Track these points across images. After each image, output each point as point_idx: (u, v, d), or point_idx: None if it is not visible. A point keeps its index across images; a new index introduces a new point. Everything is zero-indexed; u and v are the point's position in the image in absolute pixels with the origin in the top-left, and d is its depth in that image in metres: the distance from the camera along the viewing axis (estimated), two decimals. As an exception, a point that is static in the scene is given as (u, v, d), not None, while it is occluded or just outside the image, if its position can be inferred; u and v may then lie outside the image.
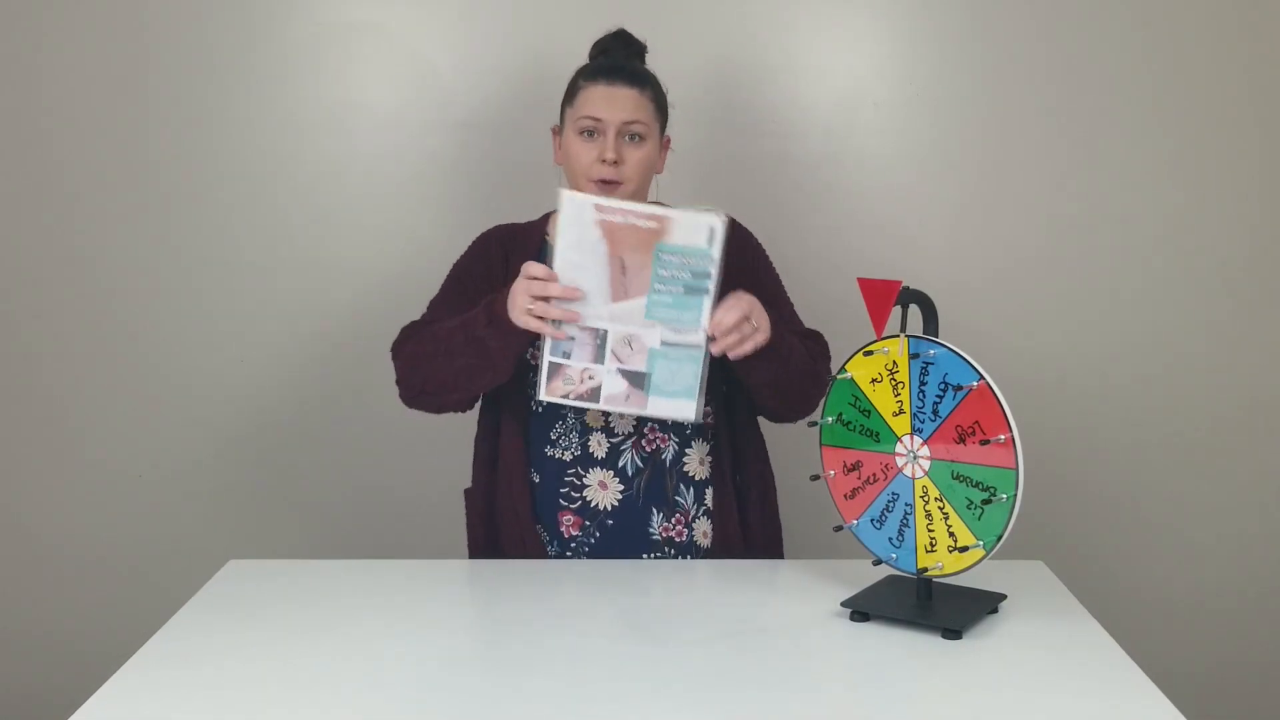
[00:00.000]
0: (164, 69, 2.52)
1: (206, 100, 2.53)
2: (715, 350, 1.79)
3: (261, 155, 2.55)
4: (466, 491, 2.07)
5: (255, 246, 2.56)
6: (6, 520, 2.64)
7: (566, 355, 1.81)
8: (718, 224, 1.75)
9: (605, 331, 1.80)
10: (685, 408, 1.82)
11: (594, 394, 1.82)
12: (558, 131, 2.04)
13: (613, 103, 1.94)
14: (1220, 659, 2.65)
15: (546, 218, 2.07)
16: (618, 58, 2.02)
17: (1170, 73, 2.52)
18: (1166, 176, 2.54)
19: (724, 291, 1.80)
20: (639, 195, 1.98)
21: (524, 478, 1.96)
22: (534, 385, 1.89)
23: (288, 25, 2.52)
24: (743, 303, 1.79)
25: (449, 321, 1.92)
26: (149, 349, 2.59)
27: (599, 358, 1.81)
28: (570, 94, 2.00)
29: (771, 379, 1.90)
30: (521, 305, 1.78)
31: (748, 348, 1.80)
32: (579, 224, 1.76)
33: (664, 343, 1.79)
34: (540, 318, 1.78)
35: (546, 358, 1.81)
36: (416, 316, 2.19)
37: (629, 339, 1.80)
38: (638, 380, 1.81)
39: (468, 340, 1.86)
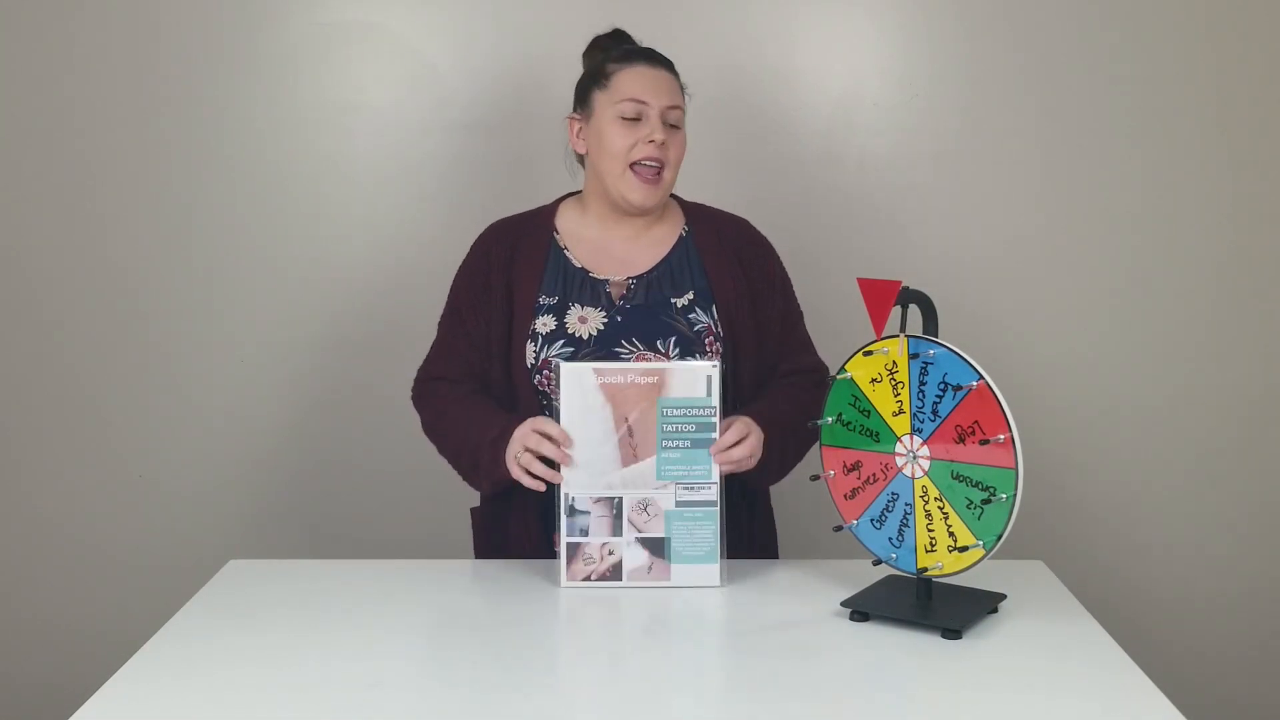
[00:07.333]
0: (163, 69, 2.52)
1: (206, 101, 2.53)
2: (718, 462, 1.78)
3: (261, 155, 2.55)
4: (473, 510, 2.05)
5: (255, 247, 2.56)
6: (7, 520, 2.64)
7: (584, 532, 1.76)
8: (714, 372, 1.75)
9: (620, 500, 1.77)
10: (709, 574, 1.77)
11: (615, 570, 1.76)
12: (575, 119, 1.98)
13: (658, 85, 1.91)
14: (1219, 659, 2.64)
15: (551, 207, 2.04)
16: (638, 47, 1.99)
17: (1169, 73, 2.52)
18: (1166, 176, 2.54)
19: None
20: (672, 186, 1.96)
21: (538, 501, 1.91)
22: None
23: (288, 25, 2.52)
24: (745, 431, 1.79)
25: (460, 424, 1.91)
26: (148, 348, 2.59)
27: (616, 529, 1.77)
28: (600, 77, 1.93)
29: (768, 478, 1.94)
30: (514, 454, 1.78)
31: (733, 468, 1.80)
32: (580, 391, 1.75)
33: (679, 503, 1.77)
34: (529, 473, 1.77)
35: (564, 539, 1.76)
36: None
37: (644, 504, 1.77)
38: (657, 548, 1.76)
39: (469, 464, 1.89)
